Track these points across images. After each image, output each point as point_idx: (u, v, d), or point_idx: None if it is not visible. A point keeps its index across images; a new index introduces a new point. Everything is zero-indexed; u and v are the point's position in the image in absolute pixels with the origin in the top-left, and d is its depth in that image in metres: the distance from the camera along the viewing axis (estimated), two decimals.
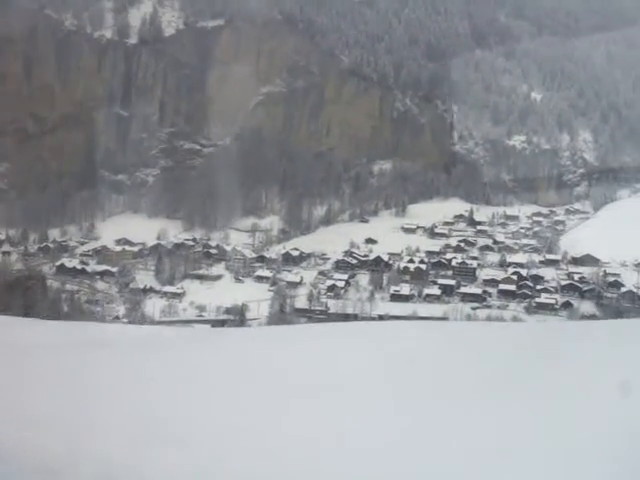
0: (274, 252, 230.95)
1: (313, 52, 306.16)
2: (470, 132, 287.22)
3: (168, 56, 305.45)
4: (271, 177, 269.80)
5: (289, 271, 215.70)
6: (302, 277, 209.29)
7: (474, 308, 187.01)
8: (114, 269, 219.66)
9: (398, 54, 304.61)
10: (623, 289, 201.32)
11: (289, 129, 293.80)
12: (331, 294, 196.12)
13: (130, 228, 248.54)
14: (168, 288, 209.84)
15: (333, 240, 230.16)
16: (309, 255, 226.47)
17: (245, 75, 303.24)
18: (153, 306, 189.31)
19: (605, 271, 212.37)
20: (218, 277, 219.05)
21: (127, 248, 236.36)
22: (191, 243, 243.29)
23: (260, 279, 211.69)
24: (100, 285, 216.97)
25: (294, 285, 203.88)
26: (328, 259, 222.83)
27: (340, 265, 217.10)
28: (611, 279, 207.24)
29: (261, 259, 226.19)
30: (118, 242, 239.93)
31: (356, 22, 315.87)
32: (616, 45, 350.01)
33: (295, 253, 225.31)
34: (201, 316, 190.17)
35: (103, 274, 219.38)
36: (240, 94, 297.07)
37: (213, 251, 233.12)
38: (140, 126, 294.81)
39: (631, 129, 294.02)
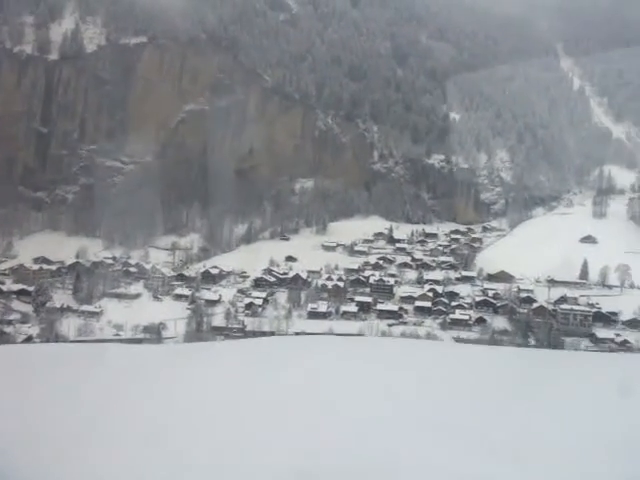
0: (194, 270, 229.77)
1: (236, 71, 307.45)
2: (390, 151, 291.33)
3: (90, 72, 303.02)
4: (193, 195, 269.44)
5: (208, 289, 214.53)
6: (221, 295, 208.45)
7: (390, 325, 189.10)
8: (31, 288, 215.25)
9: (321, 73, 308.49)
10: (535, 304, 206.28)
11: (212, 147, 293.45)
12: (249, 312, 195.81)
13: (49, 246, 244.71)
14: (85, 307, 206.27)
15: (253, 258, 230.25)
16: (229, 273, 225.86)
17: (168, 93, 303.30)
18: (69, 326, 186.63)
19: (519, 287, 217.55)
20: (137, 296, 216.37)
21: (45, 267, 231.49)
22: (110, 261, 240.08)
23: (179, 297, 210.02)
24: (16, 304, 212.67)
25: (212, 303, 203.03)
26: (248, 277, 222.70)
27: (259, 283, 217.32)
28: (524, 295, 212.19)
29: (180, 277, 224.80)
30: (36, 260, 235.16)
31: (279, 41, 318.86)
32: (533, 68, 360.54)
33: (215, 271, 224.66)
34: (118, 335, 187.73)
35: (19, 293, 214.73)
36: (163, 112, 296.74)
37: (132, 269, 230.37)
38: (60, 143, 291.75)
39: (546, 149, 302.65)
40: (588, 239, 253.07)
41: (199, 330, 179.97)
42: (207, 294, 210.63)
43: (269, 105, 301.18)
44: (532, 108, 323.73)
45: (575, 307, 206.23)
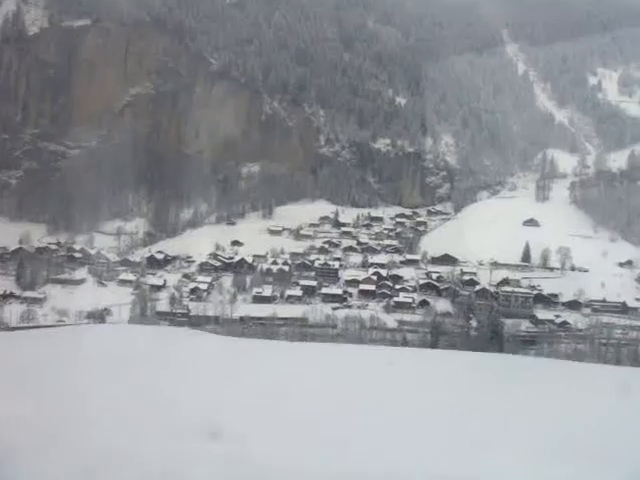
0: (139, 255, 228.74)
1: (182, 54, 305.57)
2: (336, 135, 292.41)
3: (32, 55, 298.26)
4: (138, 179, 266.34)
5: (153, 274, 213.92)
6: (166, 280, 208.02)
7: (334, 308, 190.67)
8: None
9: (267, 57, 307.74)
10: (477, 287, 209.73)
11: (157, 131, 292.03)
12: (193, 297, 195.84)
13: None
14: (29, 293, 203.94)
15: (199, 243, 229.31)
16: (174, 258, 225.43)
17: (113, 76, 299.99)
18: (10, 312, 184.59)
19: (462, 270, 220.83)
20: (81, 281, 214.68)
21: None
22: (55, 247, 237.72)
23: (124, 283, 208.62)
24: None
25: (157, 288, 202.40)
26: (193, 262, 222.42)
27: (204, 268, 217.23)
28: (467, 278, 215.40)
29: (125, 262, 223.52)
30: None
31: (226, 25, 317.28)
32: (478, 53, 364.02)
33: (160, 256, 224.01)
34: (62, 321, 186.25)
35: None
36: (108, 95, 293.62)
37: (77, 255, 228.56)
38: (2, 126, 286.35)
39: (490, 134, 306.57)
40: (531, 222, 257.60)
41: (143, 315, 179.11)
42: (152, 279, 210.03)
43: (215, 89, 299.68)
44: (477, 93, 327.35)
45: (516, 289, 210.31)
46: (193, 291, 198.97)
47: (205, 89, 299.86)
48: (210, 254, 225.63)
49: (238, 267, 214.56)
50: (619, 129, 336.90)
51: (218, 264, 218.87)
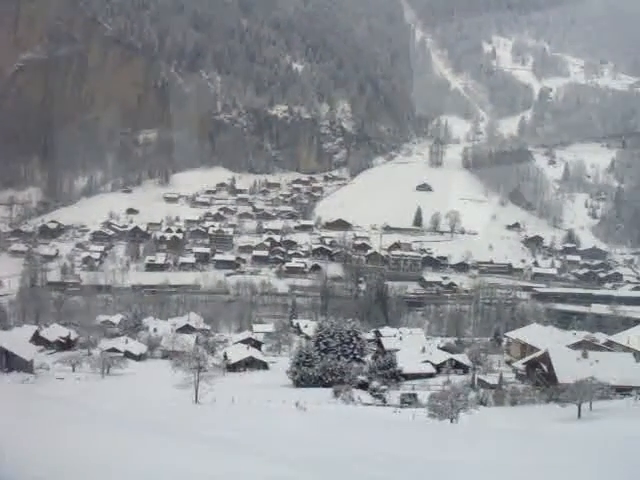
0: (32, 225, 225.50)
1: (76, 19, 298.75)
2: (234, 101, 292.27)
3: None
4: (32, 147, 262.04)
5: (46, 244, 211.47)
6: (58, 250, 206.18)
7: (227, 275, 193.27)
8: None
9: (163, 23, 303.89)
10: (369, 251, 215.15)
11: (51, 97, 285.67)
12: (86, 266, 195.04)
13: None
14: None
15: (94, 211, 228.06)
16: (68, 227, 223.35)
17: (2, 41, 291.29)
18: None
19: (355, 235, 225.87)
20: None
21: None
22: None
23: (15, 253, 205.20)
24: None
25: (49, 258, 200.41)
26: (87, 231, 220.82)
27: (98, 236, 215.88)
28: (359, 242, 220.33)
29: (17, 233, 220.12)
30: None
31: None
32: (377, 19, 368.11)
33: (53, 226, 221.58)
34: None
35: None
36: None
37: None
38: None
39: (387, 100, 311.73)
40: (424, 187, 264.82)
41: (34, 286, 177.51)
42: (44, 249, 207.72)
43: (110, 55, 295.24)
44: (374, 59, 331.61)
45: (406, 253, 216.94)
46: (86, 260, 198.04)
47: (100, 55, 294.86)
48: (104, 223, 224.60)
49: (132, 235, 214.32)
50: (511, 96, 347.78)
51: (112, 233, 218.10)
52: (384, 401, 60.65)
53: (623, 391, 55.50)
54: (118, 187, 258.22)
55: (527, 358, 70.95)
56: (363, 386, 66.80)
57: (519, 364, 72.88)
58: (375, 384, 66.45)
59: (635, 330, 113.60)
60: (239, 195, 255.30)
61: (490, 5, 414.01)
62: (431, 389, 60.75)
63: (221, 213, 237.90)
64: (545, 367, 60.12)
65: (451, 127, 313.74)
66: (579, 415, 44.72)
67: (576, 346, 75.54)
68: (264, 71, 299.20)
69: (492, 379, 69.89)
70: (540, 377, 58.60)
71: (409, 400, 58.96)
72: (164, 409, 38.49)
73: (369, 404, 59.06)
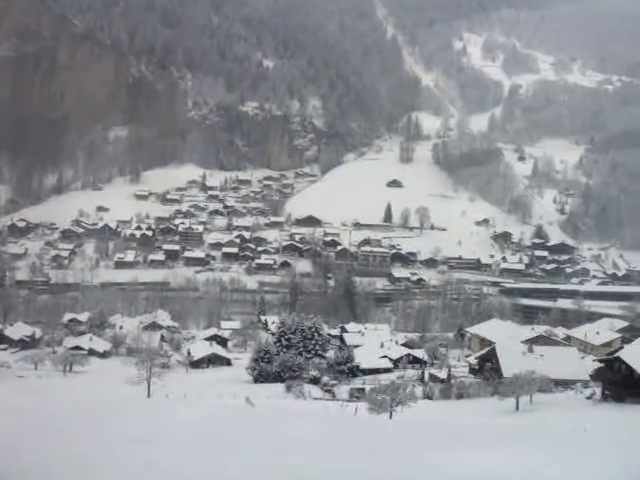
0: (0, 224, 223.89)
1: (44, 15, 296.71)
2: (204, 98, 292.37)
3: None
4: (0, 145, 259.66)
5: (14, 243, 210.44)
6: (27, 248, 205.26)
7: (197, 272, 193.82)
8: None
9: (133, 19, 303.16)
10: (339, 247, 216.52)
11: (20, 95, 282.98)
12: (55, 264, 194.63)
13: None
14: None
15: (63, 209, 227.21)
16: (37, 225, 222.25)
17: None
18: None
19: (325, 231, 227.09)
20: None
21: None
22: None
23: None
24: None
25: (18, 257, 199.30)
26: (57, 229, 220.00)
27: (67, 235, 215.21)
28: (329, 238, 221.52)
29: None
30: None
31: None
32: (349, 15, 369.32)
33: (22, 224, 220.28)
34: None
35: None
36: None
37: None
38: None
39: (358, 97, 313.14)
40: (394, 183, 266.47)
41: (2, 285, 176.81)
42: (13, 248, 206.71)
43: (80, 52, 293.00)
44: (345, 56, 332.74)
45: (375, 249, 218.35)
46: (55, 259, 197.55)
47: (69, 51, 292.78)
48: (74, 221, 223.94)
49: (102, 233, 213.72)
50: (481, 93, 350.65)
51: (81, 231, 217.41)
52: (333, 395, 62.04)
53: (566, 384, 57.20)
54: (88, 185, 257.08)
55: (479, 353, 72.64)
56: (315, 381, 68.16)
57: (472, 359, 74.57)
58: (325, 379, 67.88)
59: (600, 324, 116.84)
60: (210, 192, 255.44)
61: (461, 3, 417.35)
62: (381, 384, 62.09)
63: (191, 210, 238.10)
64: (494, 361, 61.67)
65: (422, 124, 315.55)
66: (517, 408, 46.19)
67: (532, 341, 77.57)
68: (235, 68, 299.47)
69: (446, 374, 71.68)
70: (489, 371, 60.06)
71: (357, 394, 60.35)
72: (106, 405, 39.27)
73: (319, 398, 60.43)
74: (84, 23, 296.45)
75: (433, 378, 68.63)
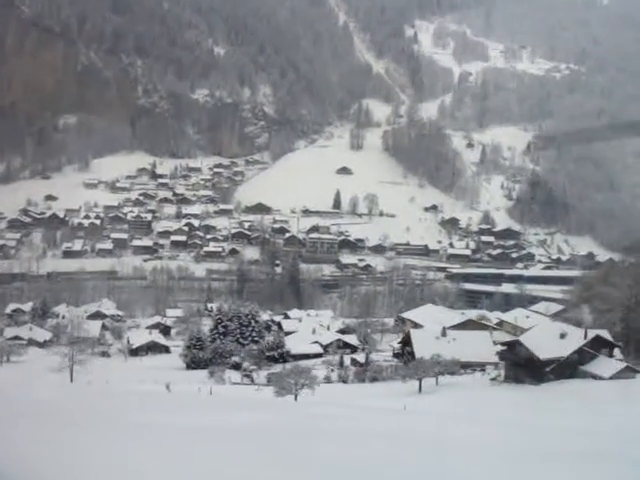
0: None
1: None
2: (155, 86, 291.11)
3: None
4: None
5: None
6: None
7: (145, 260, 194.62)
8: None
9: (82, 5, 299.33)
10: (287, 234, 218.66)
11: None
12: (1, 254, 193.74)
13: None
14: None
15: (11, 199, 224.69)
16: None
17: None
18: None
19: (274, 218, 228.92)
20: None
21: None
22: None
23: None
24: None
25: None
26: (4, 218, 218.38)
27: (14, 224, 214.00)
28: (278, 226, 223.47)
29: None
30: None
31: None
32: (300, 2, 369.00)
33: None
34: None
35: None
36: None
37: None
38: None
39: (308, 84, 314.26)
40: (344, 170, 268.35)
41: None
42: None
43: (28, 38, 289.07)
44: (297, 43, 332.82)
45: (323, 236, 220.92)
46: (1, 248, 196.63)
47: (17, 38, 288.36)
48: (21, 210, 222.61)
49: (49, 222, 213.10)
50: (432, 80, 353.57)
51: (29, 220, 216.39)
52: (252, 380, 64.27)
53: (477, 367, 60.10)
54: (37, 173, 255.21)
55: (400, 338, 75.45)
56: (237, 367, 70.41)
57: (395, 343, 77.34)
58: (245, 364, 70.24)
59: (538, 307, 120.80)
60: (160, 180, 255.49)
61: None
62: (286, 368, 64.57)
63: (141, 198, 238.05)
64: (410, 346, 64.37)
65: (372, 111, 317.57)
66: (420, 389, 48.82)
67: (462, 325, 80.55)
68: (185, 55, 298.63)
69: (376, 357, 74.36)
70: (407, 355, 62.72)
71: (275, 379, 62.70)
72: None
73: (237, 383, 62.62)
74: (32, 9, 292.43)
75: (354, 362, 71.19)
